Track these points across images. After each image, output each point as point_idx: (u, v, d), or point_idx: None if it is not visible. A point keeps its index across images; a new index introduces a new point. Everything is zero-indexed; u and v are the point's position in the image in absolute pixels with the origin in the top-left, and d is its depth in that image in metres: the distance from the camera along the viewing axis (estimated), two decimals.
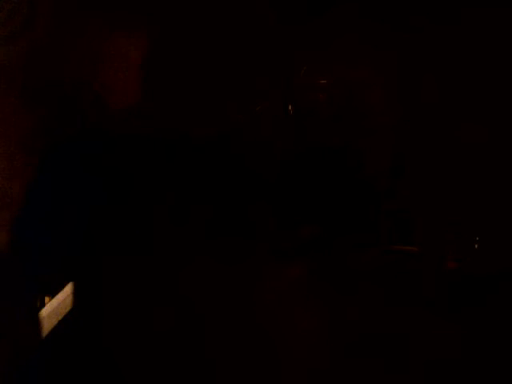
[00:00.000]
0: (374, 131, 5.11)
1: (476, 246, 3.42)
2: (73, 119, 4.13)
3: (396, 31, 4.98)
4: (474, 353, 2.78)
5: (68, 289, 2.02)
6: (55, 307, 2.01)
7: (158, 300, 0.95)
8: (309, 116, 5.15)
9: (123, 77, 4.98)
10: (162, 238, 0.97)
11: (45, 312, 2.00)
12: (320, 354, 2.30)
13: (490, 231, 3.54)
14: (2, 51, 4.37)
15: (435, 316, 3.01)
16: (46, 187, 3.27)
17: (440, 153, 4.55)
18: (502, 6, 4.00)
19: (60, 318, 1.80)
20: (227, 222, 1.02)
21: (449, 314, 3.09)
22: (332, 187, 4.89)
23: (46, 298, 2.17)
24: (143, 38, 4.92)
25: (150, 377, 0.93)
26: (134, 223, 0.95)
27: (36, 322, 2.41)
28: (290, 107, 5.04)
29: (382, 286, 3.38)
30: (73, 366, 1.10)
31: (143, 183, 0.97)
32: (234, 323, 1.00)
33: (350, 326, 2.80)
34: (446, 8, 4.60)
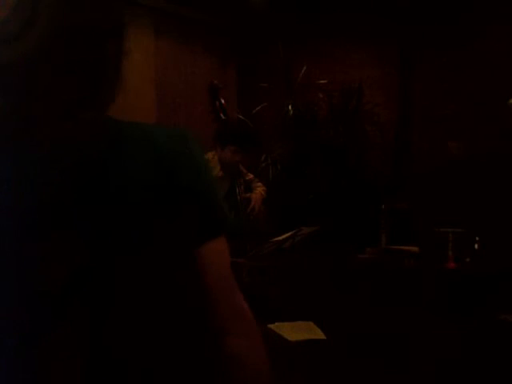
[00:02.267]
0: (374, 131, 5.11)
1: (476, 246, 3.42)
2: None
3: (396, 31, 4.98)
4: (473, 353, 2.78)
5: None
6: None
7: (157, 300, 0.94)
8: (309, 116, 5.16)
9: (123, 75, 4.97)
10: (161, 238, 0.96)
11: None
12: (320, 354, 2.30)
13: (489, 231, 3.54)
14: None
15: (435, 316, 3.00)
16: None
17: (440, 153, 4.55)
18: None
19: None
20: (227, 222, 1.01)
21: (449, 313, 3.08)
22: (332, 187, 4.89)
23: None
24: (144, 39, 4.92)
25: (150, 377, 0.92)
26: (134, 223, 0.95)
27: None
28: (289, 107, 5.03)
29: (381, 285, 3.38)
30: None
31: (143, 183, 0.97)
32: (234, 323, 0.99)
33: (349, 326, 2.80)
34: (446, 9, 4.60)
